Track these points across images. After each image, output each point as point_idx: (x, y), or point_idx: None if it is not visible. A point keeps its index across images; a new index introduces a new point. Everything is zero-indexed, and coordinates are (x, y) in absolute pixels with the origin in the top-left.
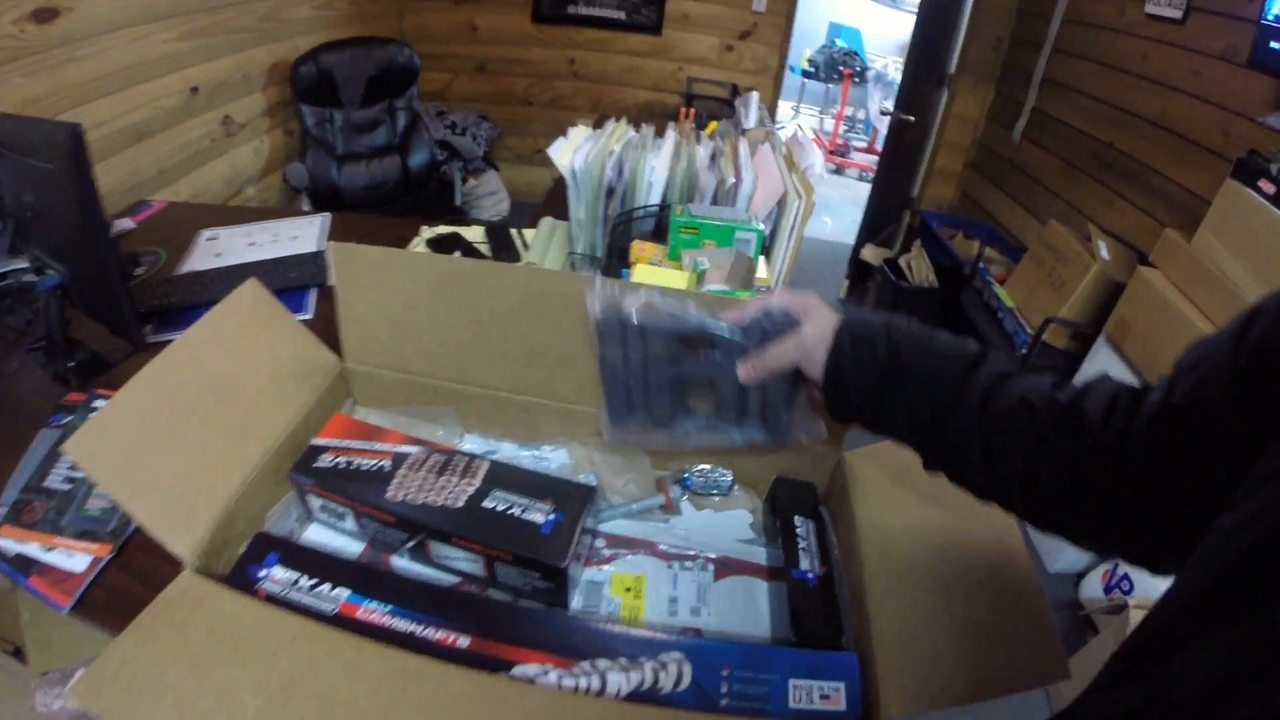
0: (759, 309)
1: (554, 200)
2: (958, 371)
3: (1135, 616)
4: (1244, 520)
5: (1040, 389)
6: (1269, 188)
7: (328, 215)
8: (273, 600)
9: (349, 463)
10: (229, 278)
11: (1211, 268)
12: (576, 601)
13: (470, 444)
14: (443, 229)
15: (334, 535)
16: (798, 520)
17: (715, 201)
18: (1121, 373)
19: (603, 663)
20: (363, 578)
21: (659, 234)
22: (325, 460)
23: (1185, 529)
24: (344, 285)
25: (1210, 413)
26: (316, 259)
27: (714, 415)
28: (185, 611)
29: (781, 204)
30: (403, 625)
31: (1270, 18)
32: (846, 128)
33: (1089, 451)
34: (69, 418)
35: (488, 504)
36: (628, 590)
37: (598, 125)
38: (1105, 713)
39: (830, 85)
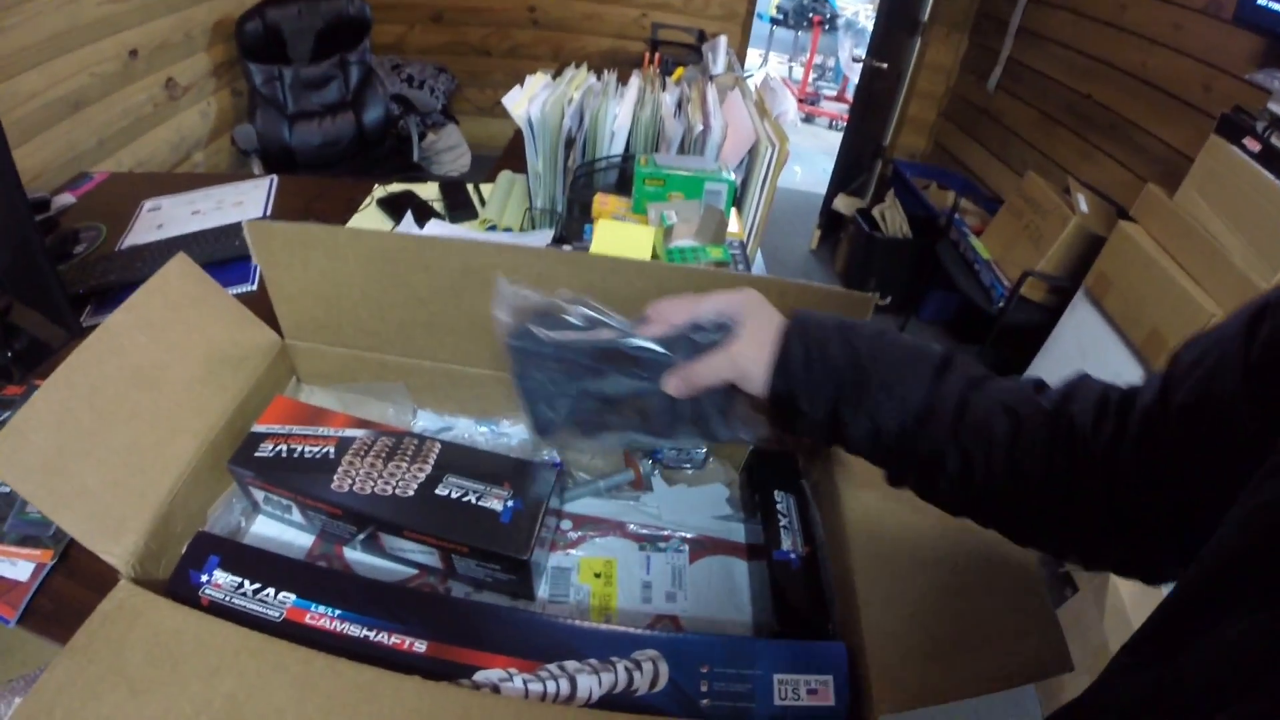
0: (687, 318)
1: (512, 153)
2: (927, 378)
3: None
4: (1254, 511)
5: (1022, 394)
6: (1254, 145)
7: (274, 178)
8: (216, 608)
9: (291, 450)
10: (170, 250)
11: (1194, 224)
12: (543, 590)
13: (425, 420)
14: (395, 187)
15: (283, 528)
16: (778, 495)
17: (682, 151)
18: (1100, 328)
19: (571, 664)
20: (309, 580)
21: (623, 186)
22: (266, 449)
23: (1183, 537)
24: (267, 265)
25: (1220, 411)
26: None
27: (642, 429)
28: (122, 628)
29: (753, 152)
30: (354, 630)
31: None
32: (816, 75)
33: (1080, 460)
34: (6, 414)
35: (440, 491)
36: (597, 576)
37: (557, 75)
38: (1115, 703)
39: (799, 33)
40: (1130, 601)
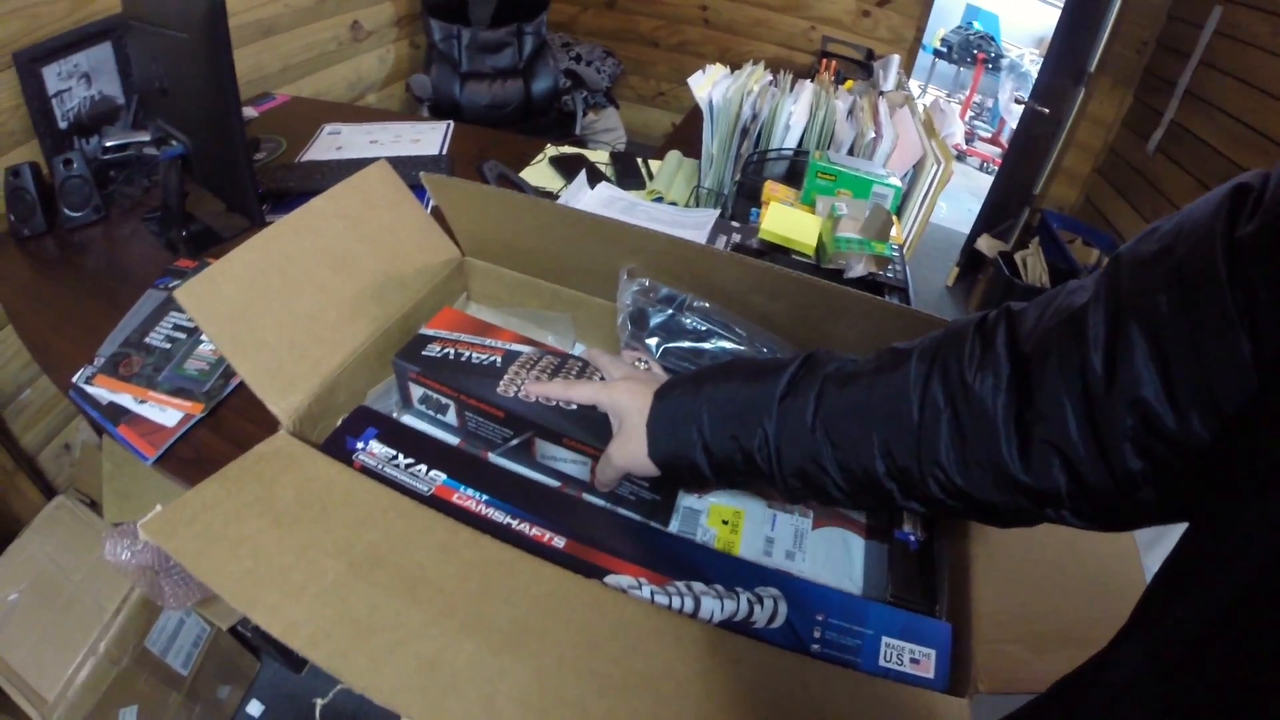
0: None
1: (676, 139)
2: (775, 398)
3: None
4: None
5: (870, 360)
6: None
7: (451, 123)
8: (367, 473)
9: (458, 354)
10: (349, 169)
11: None
12: (673, 525)
13: (580, 353)
14: (567, 149)
15: (430, 428)
16: None
17: (852, 154)
18: None
19: (699, 585)
20: (462, 463)
21: (791, 179)
22: (433, 350)
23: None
24: (448, 211)
25: (1196, 310)
26: (438, 162)
27: None
28: (276, 469)
29: (919, 167)
30: (498, 516)
31: None
32: (973, 114)
33: (954, 382)
34: (176, 282)
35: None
36: (725, 523)
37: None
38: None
39: (961, 69)
40: None
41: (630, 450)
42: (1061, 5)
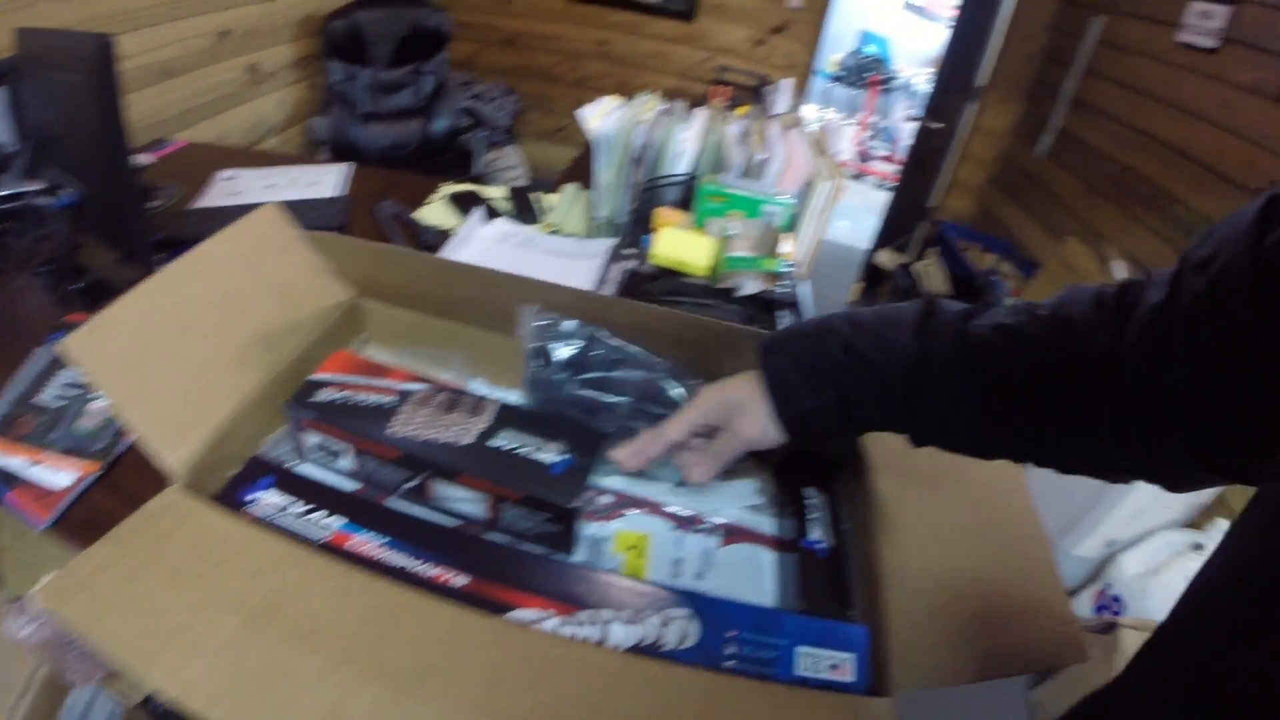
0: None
1: (575, 172)
2: (911, 331)
3: (1125, 636)
4: None
5: (1015, 311)
6: None
7: (351, 164)
8: (262, 523)
9: (350, 398)
10: (244, 215)
11: None
12: (579, 555)
13: (478, 389)
14: (466, 186)
15: (328, 475)
16: (808, 491)
17: (744, 177)
18: None
19: (606, 613)
20: (359, 508)
21: (684, 204)
22: (325, 395)
23: (1201, 443)
24: (336, 264)
25: (1229, 314)
26: (334, 204)
27: None
28: (169, 525)
29: (810, 185)
30: (397, 559)
31: None
32: (870, 135)
33: (1083, 360)
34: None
35: (496, 443)
36: (631, 548)
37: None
38: (1151, 715)
39: (856, 92)
40: None
41: (748, 432)
42: (950, 26)
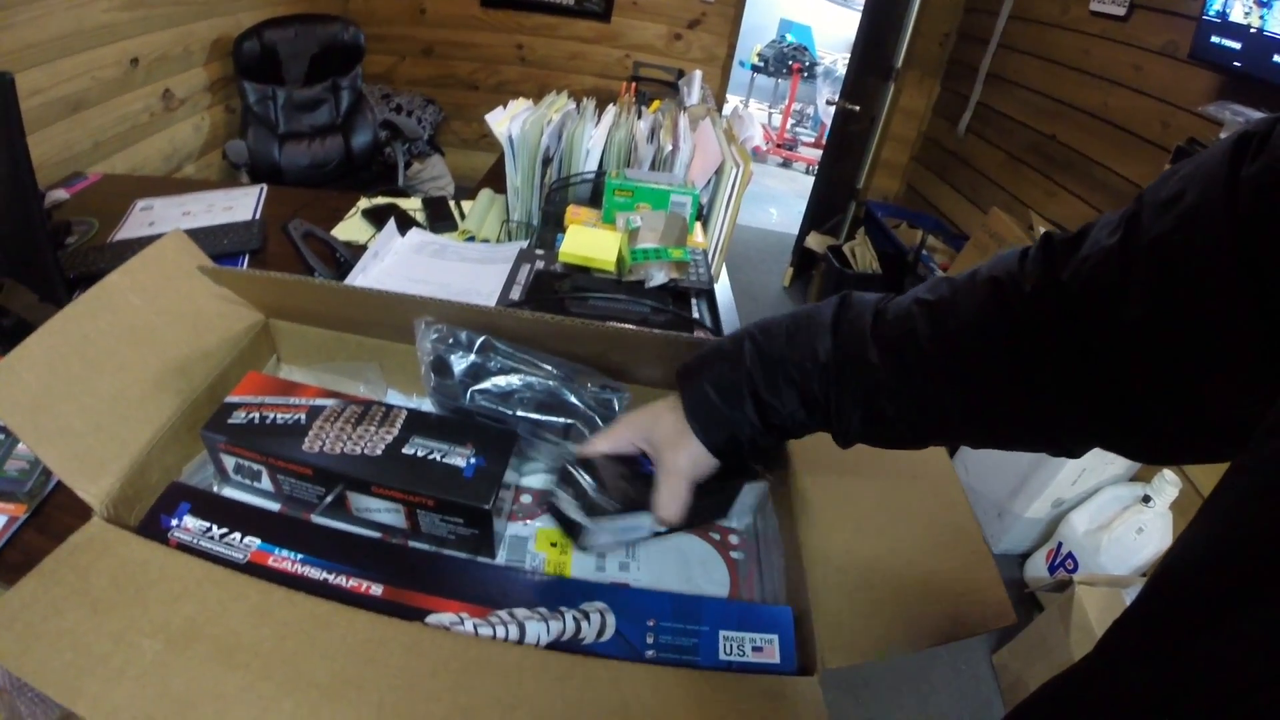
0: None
1: (493, 176)
2: (826, 326)
3: (1081, 592)
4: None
5: (932, 285)
6: None
7: (264, 186)
8: (183, 549)
9: (263, 418)
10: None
11: None
12: (500, 556)
13: (394, 400)
14: (379, 200)
15: (250, 498)
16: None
17: (653, 170)
18: None
19: (521, 612)
20: (279, 526)
21: (596, 201)
22: (238, 417)
23: (1173, 402)
24: (239, 294)
25: (1203, 256)
26: (249, 227)
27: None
28: (90, 557)
29: (719, 173)
30: (314, 573)
31: (1211, 13)
32: (794, 122)
33: (1015, 313)
34: None
35: (407, 450)
36: (553, 545)
37: (539, 101)
38: (1120, 694)
39: (779, 80)
40: (1097, 619)
41: (681, 464)
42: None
